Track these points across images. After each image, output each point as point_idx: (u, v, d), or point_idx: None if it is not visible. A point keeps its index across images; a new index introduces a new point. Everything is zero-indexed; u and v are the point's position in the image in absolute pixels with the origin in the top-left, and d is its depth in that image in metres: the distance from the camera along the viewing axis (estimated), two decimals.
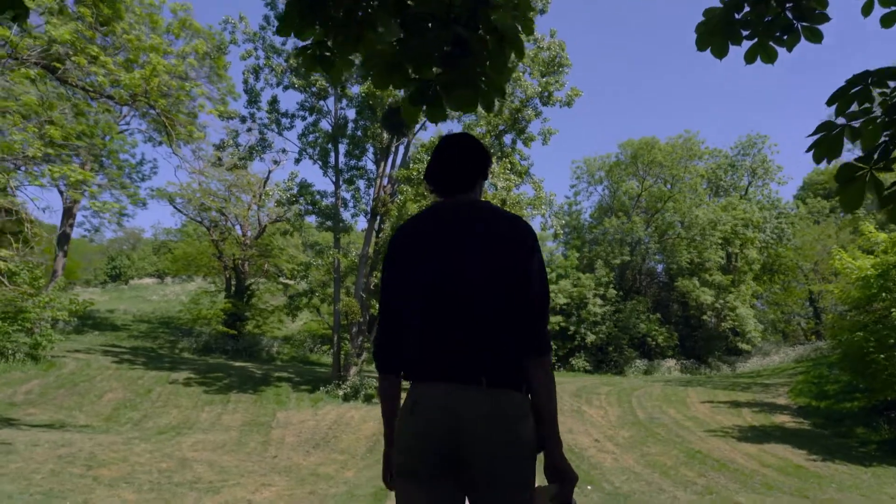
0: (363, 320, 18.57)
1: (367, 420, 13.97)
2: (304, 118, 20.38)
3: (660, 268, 38.47)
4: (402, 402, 1.93)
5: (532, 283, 1.81)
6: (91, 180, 15.18)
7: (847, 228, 34.26)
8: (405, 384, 1.94)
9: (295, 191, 18.28)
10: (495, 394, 1.73)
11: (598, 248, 33.50)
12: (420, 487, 1.75)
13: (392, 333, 1.94)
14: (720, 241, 31.49)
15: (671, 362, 31.42)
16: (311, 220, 21.04)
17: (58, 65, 12.31)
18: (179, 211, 29.01)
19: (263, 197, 27.47)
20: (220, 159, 19.31)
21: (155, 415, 14.22)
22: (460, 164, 2.00)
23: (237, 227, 29.22)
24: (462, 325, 1.78)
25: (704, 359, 32.30)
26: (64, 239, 25.33)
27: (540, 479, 1.78)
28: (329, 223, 18.78)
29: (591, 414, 17.17)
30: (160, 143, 29.02)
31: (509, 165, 18.01)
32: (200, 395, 16.30)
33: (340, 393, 17.09)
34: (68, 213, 25.57)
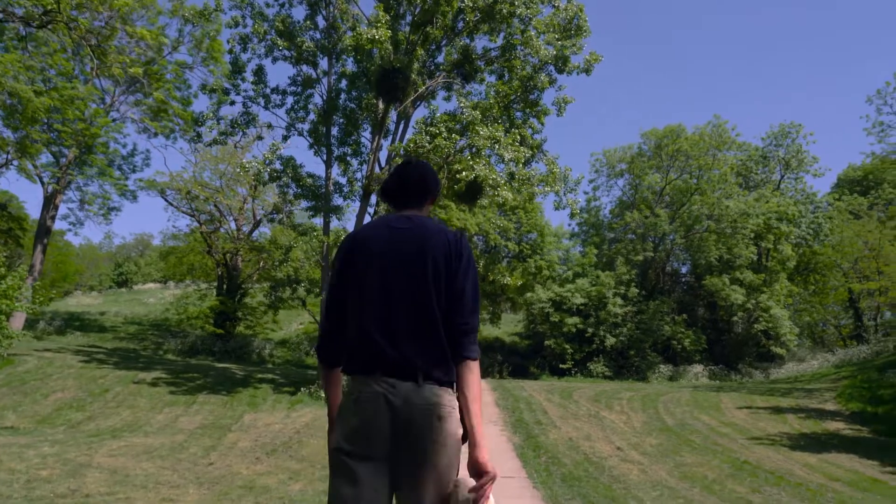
0: None
1: None
2: (295, 94, 18.54)
3: (684, 268, 36.01)
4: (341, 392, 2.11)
5: (466, 293, 2.01)
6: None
7: (893, 221, 31.48)
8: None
9: (277, 165, 16.26)
10: (428, 389, 1.91)
11: (618, 244, 31.14)
12: (356, 467, 1.87)
13: (337, 330, 2.09)
14: (752, 236, 28.95)
15: (698, 368, 28.83)
16: (304, 206, 19.02)
17: None
18: (171, 204, 27.32)
19: (258, 188, 25.60)
20: (198, 134, 17.43)
21: (102, 416, 12.26)
22: (416, 184, 2.25)
23: (231, 220, 27.37)
24: (403, 327, 1.95)
25: (734, 364, 29.66)
26: (43, 231, 23.67)
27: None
28: (317, 203, 16.77)
29: (612, 419, 14.88)
30: (155, 135, 27.65)
31: (519, 137, 15.89)
32: (163, 396, 14.32)
33: (323, 395, 15.00)
34: (49, 204, 23.92)
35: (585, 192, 33.71)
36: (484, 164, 14.66)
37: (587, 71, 17.36)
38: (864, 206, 36.94)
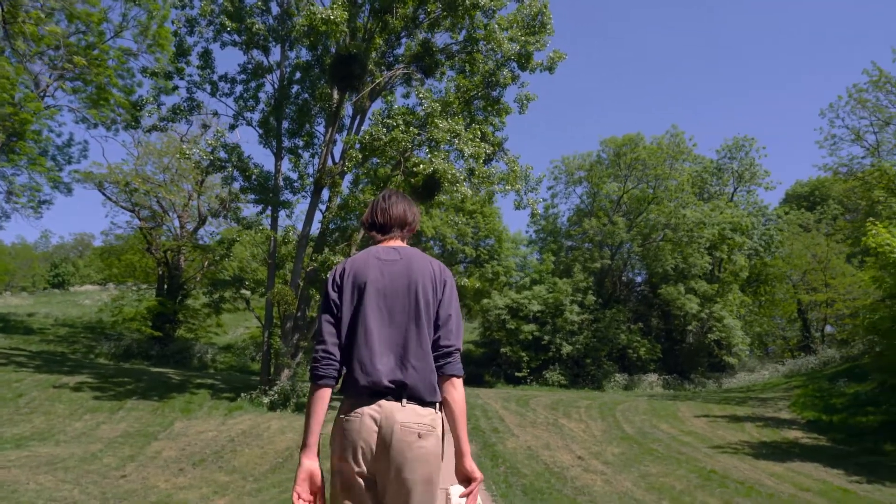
0: (299, 314, 15.45)
1: (285, 431, 10.87)
2: (245, 82, 17.45)
3: (639, 278, 36.04)
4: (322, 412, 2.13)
5: (451, 318, 2.19)
6: None
7: (840, 234, 32.24)
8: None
9: (222, 154, 15.14)
10: (410, 409, 2.04)
11: (576, 252, 30.86)
12: (352, 482, 2.01)
13: (331, 351, 2.13)
14: (707, 246, 29.08)
15: (653, 377, 28.67)
16: (252, 199, 17.87)
17: None
18: (109, 199, 25.60)
19: (204, 183, 24.24)
20: (136, 119, 16.15)
21: (9, 423, 10.90)
22: (399, 217, 2.40)
23: (174, 217, 25.84)
24: (394, 352, 2.10)
25: (687, 374, 29.65)
26: None
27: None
28: (265, 197, 15.72)
29: (571, 427, 14.30)
30: (95, 125, 25.92)
31: (480, 133, 15.23)
32: (86, 402, 12.99)
33: (266, 400, 13.92)
34: None
35: (544, 199, 33.31)
36: (443, 159, 13.94)
37: (550, 69, 16.92)
38: (811, 221, 37.92)
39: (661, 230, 29.12)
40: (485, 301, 28.71)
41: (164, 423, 11.51)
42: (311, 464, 2.01)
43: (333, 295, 2.19)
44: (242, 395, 14.32)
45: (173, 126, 16.74)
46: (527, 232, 35.70)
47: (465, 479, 2.08)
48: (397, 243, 2.34)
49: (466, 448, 2.10)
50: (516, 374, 27.81)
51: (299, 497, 1.98)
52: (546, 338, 27.70)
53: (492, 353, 31.04)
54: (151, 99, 15.87)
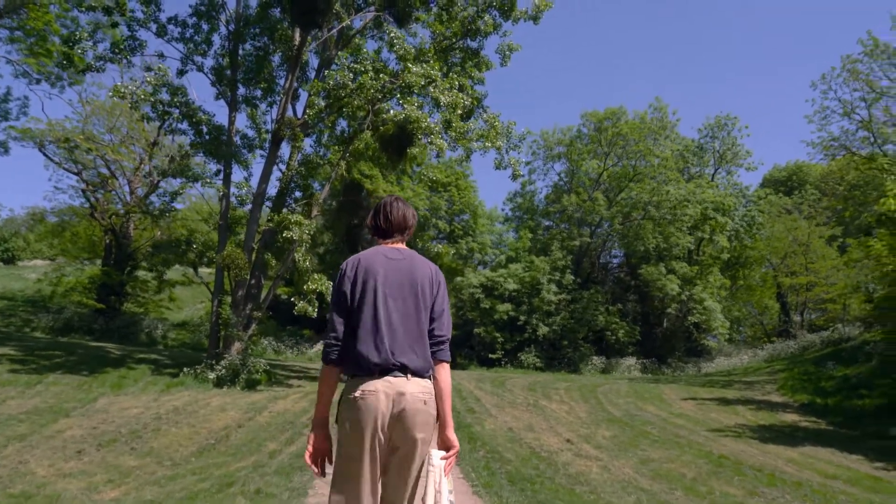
0: (253, 281, 13.76)
1: (226, 409, 9.31)
2: (196, 26, 15.54)
3: (615, 261, 34.97)
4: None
5: (444, 313, 2.56)
6: None
7: (821, 216, 31.55)
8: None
9: (165, 96, 13.27)
10: (415, 382, 2.40)
11: (554, 230, 29.57)
12: (361, 448, 2.31)
13: (342, 335, 2.46)
14: (690, 225, 28.05)
15: (631, 360, 27.65)
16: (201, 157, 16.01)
17: None
18: (51, 160, 23.34)
19: (155, 144, 22.19)
20: (68, 58, 14.16)
21: None
22: (400, 221, 2.71)
23: (123, 182, 23.71)
24: (398, 337, 2.42)
25: (664, 358, 28.71)
26: None
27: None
28: (217, 149, 13.94)
29: (553, 409, 13.00)
30: (38, 81, 23.63)
31: (457, 84, 13.66)
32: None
33: (212, 376, 12.28)
34: None
35: (521, 175, 31.94)
36: (416, 107, 12.36)
37: (535, 18, 15.40)
38: (787, 207, 37.26)
39: (642, 208, 27.95)
40: (458, 279, 27.27)
41: (85, 400, 9.81)
42: (323, 430, 2.42)
43: (347, 284, 2.49)
44: (185, 369, 12.64)
45: (111, 66, 14.74)
46: (502, 209, 34.28)
47: (446, 447, 2.47)
48: (400, 245, 2.68)
49: (450, 421, 2.50)
50: (490, 355, 26.51)
51: (311, 457, 2.41)
52: (522, 318, 26.42)
53: (464, 336, 29.68)
54: (87, 35, 13.88)
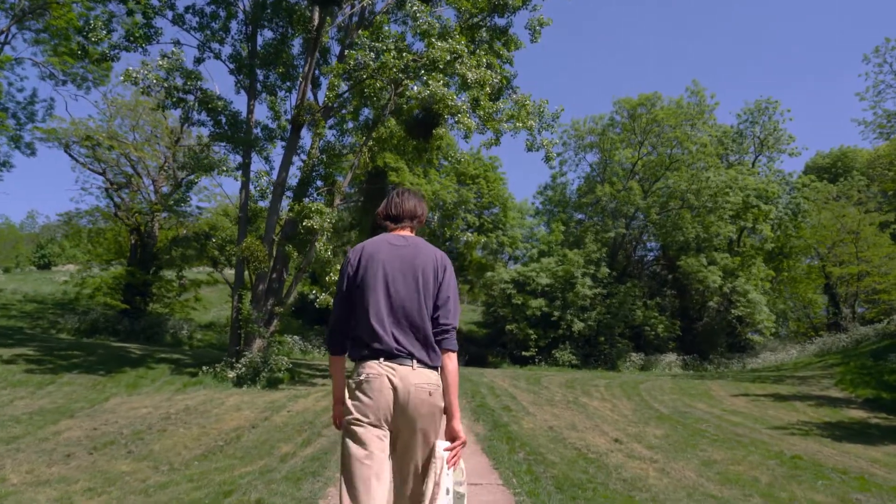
0: (274, 276, 13.11)
1: (241, 408, 8.62)
2: (214, 14, 14.99)
3: (651, 255, 33.61)
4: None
5: (450, 300, 2.49)
6: None
7: (872, 202, 29.74)
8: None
9: (179, 80, 12.68)
10: (420, 371, 2.35)
11: (587, 222, 28.44)
12: (367, 433, 2.28)
13: (345, 322, 2.49)
14: (731, 215, 26.64)
15: (671, 357, 26.39)
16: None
17: None
18: (77, 161, 23.18)
19: (178, 142, 21.81)
20: (83, 48, 13.71)
21: None
22: (409, 210, 2.70)
23: (147, 182, 23.41)
24: (402, 324, 2.39)
25: (706, 354, 27.33)
26: None
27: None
28: (235, 135, 13.32)
29: (596, 406, 12.05)
30: (63, 82, 23.56)
31: (485, 61, 12.82)
32: (12, 376, 10.71)
33: (231, 374, 11.65)
34: None
35: (551, 167, 30.85)
36: (443, 84, 11.54)
37: None
38: (833, 195, 35.38)
39: (680, 197, 26.64)
40: (488, 274, 26.34)
41: (96, 400, 9.24)
42: (340, 407, 2.47)
43: (350, 272, 2.50)
44: (205, 368, 12.03)
45: (134, 60, 14.30)
46: (533, 202, 33.18)
47: (452, 438, 2.41)
48: (406, 233, 2.66)
49: (456, 412, 2.42)
50: (523, 353, 25.52)
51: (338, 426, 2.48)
52: (556, 314, 25.37)
53: (496, 334, 28.74)
54: (102, 24, 13.40)
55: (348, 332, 2.46)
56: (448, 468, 2.34)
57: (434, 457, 2.34)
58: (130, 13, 14.33)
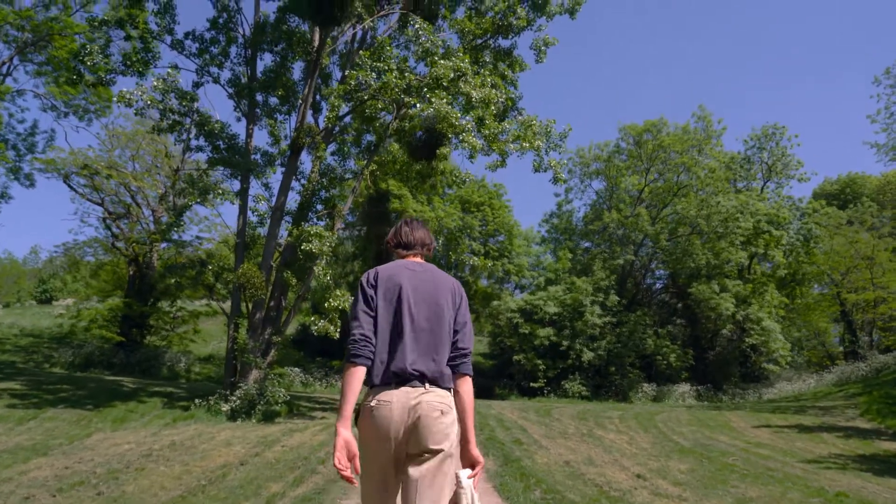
0: (272, 304, 12.55)
1: (232, 444, 7.96)
2: (214, 40, 14.78)
3: (659, 284, 32.94)
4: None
5: (467, 325, 2.52)
6: None
7: (885, 228, 29.15)
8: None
9: (174, 103, 12.34)
10: (433, 392, 2.33)
11: (594, 249, 27.88)
12: (380, 454, 2.28)
13: (367, 333, 2.38)
14: (743, 240, 26.07)
15: (685, 387, 25.52)
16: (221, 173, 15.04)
17: None
18: (74, 191, 22.88)
19: (178, 171, 21.51)
20: (79, 73, 13.45)
21: None
22: (421, 239, 2.74)
23: (147, 212, 23.06)
24: (420, 347, 2.39)
25: (719, 384, 26.44)
26: None
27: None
28: (232, 158, 12.92)
29: (612, 439, 11.32)
30: (65, 114, 23.46)
31: (489, 81, 12.46)
32: None
33: (225, 408, 11.01)
34: None
35: (557, 195, 30.45)
36: (447, 102, 11.15)
37: (571, 12, 14.28)
38: (843, 221, 34.80)
39: (689, 223, 26.12)
40: (494, 303, 25.69)
41: (77, 436, 8.60)
42: (346, 433, 2.25)
43: (370, 290, 2.46)
44: (197, 401, 11.39)
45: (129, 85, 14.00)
46: (538, 230, 32.71)
47: (471, 463, 2.41)
48: (419, 260, 2.68)
49: (472, 437, 2.43)
50: (531, 384, 24.69)
51: (339, 462, 2.19)
52: (564, 343, 24.63)
53: (502, 365, 27.91)
54: (98, 49, 13.15)
55: (373, 344, 2.38)
56: (476, 491, 2.30)
57: (460, 487, 2.27)
58: (129, 38, 14.10)
